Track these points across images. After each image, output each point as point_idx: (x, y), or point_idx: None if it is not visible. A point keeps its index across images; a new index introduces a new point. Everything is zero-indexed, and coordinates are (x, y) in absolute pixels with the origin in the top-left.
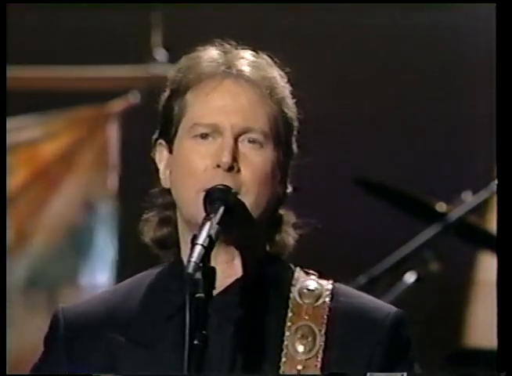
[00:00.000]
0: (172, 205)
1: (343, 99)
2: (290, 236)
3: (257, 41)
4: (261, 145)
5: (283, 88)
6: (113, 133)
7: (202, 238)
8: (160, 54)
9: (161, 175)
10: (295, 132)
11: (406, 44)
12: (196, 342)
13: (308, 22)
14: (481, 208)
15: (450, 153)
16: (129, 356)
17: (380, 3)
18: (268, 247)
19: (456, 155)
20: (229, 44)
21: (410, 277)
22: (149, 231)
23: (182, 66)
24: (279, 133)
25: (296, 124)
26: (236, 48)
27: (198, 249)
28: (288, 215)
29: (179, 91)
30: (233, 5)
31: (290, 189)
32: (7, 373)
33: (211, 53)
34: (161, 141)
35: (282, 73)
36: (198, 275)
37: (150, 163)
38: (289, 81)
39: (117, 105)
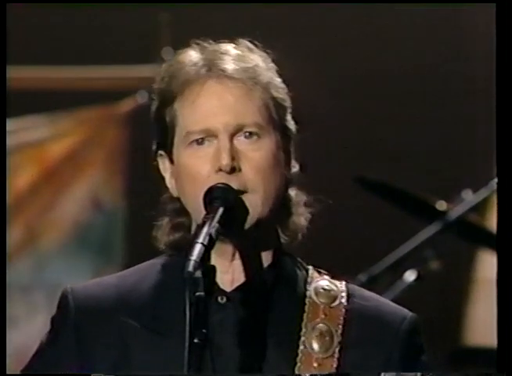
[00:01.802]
0: (184, 211)
1: (343, 98)
2: (302, 217)
3: (263, 41)
4: (258, 136)
5: (267, 71)
6: (120, 133)
7: (202, 236)
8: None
9: (168, 185)
10: (289, 111)
11: (406, 44)
12: (196, 341)
13: (313, 22)
14: (481, 207)
15: (450, 152)
16: (143, 342)
17: (380, 3)
18: (280, 231)
19: (456, 153)
20: (207, 41)
21: (410, 276)
22: (163, 237)
23: (163, 75)
24: (273, 119)
25: (288, 102)
26: (215, 44)
27: (198, 247)
28: (299, 195)
29: (166, 100)
30: (241, 5)
31: (296, 168)
32: (7, 372)
33: (191, 56)
34: (161, 152)
35: (264, 54)
36: (198, 273)
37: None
38: (273, 61)
39: (125, 105)
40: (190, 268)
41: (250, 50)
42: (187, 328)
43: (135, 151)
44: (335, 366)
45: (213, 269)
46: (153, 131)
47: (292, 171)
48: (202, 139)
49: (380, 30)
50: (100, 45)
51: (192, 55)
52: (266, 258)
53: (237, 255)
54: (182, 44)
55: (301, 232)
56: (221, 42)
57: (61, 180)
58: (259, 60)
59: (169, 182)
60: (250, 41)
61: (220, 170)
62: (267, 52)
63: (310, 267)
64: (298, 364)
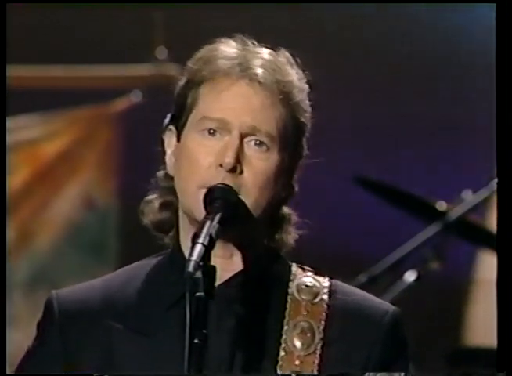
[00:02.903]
0: (175, 191)
1: (343, 98)
2: (290, 236)
3: (258, 41)
4: (267, 148)
5: (299, 91)
6: (114, 132)
7: (202, 237)
8: (162, 53)
9: (167, 161)
10: (306, 134)
11: (406, 44)
12: (196, 341)
13: (310, 21)
14: (481, 207)
15: (450, 152)
16: (128, 344)
17: (381, 3)
18: (266, 243)
19: (456, 154)
20: (249, 40)
21: (410, 276)
22: (150, 213)
23: (200, 56)
24: (287, 138)
25: (308, 128)
26: (255, 46)
27: (198, 248)
28: (291, 215)
29: (194, 82)
30: (234, 5)
31: (297, 189)
32: (7, 373)
33: (229, 50)
34: (171, 127)
35: (301, 73)
36: (198, 274)
37: (152, 162)
38: (308, 82)
39: (119, 104)
40: (190, 268)
41: (290, 64)
42: (187, 329)
43: (129, 150)
44: (317, 362)
45: (213, 269)
46: (172, 104)
47: (289, 190)
48: (214, 130)
49: (379, 31)
50: (94, 44)
51: (231, 48)
52: (250, 256)
53: (220, 253)
54: (175, 43)
55: (286, 249)
56: (262, 46)
57: (54, 180)
58: (295, 77)
59: (169, 158)
60: (291, 55)
61: (221, 166)
62: (304, 72)
63: (293, 264)
64: (280, 363)
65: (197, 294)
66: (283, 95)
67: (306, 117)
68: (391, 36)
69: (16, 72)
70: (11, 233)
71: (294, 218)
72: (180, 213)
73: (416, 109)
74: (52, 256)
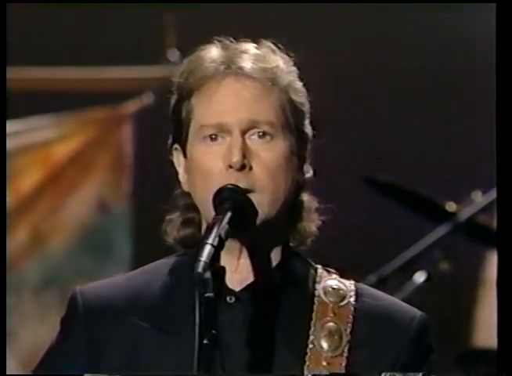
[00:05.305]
0: (194, 207)
1: (353, 100)
2: (312, 223)
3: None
4: (271, 137)
5: (288, 74)
6: (126, 134)
7: (211, 237)
8: (174, 55)
9: (181, 179)
10: (307, 115)
11: (407, 44)
12: (205, 341)
13: (320, 23)
14: (490, 208)
15: (460, 153)
16: (152, 342)
17: (381, 3)
18: (290, 235)
19: (467, 155)
20: (229, 40)
21: (420, 277)
22: (173, 232)
23: (183, 69)
24: (288, 121)
25: (307, 107)
26: (236, 42)
27: (208, 248)
28: (310, 201)
29: (184, 95)
30: (246, 6)
31: (310, 174)
32: (12, 372)
33: (211, 53)
34: (176, 146)
35: (286, 57)
36: (207, 274)
37: (164, 164)
38: (295, 64)
39: (131, 106)
40: (200, 269)
41: (273, 51)
42: (197, 329)
43: (141, 152)
44: (344, 364)
45: (222, 270)
46: (170, 124)
47: (305, 176)
48: (215, 135)
49: (380, 31)
50: (106, 46)
51: (213, 52)
52: (275, 257)
53: (245, 254)
54: (187, 45)
55: (311, 238)
56: (242, 41)
57: (67, 182)
58: (280, 62)
59: (182, 176)
60: (273, 43)
61: (230, 167)
62: (289, 55)
63: (319, 266)
64: (307, 363)
65: (207, 294)
66: (273, 82)
67: (301, 96)
68: (391, 36)
69: (29, 74)
70: (23, 235)
71: (315, 204)
72: (203, 227)
73: (425, 109)
74: (65, 258)
